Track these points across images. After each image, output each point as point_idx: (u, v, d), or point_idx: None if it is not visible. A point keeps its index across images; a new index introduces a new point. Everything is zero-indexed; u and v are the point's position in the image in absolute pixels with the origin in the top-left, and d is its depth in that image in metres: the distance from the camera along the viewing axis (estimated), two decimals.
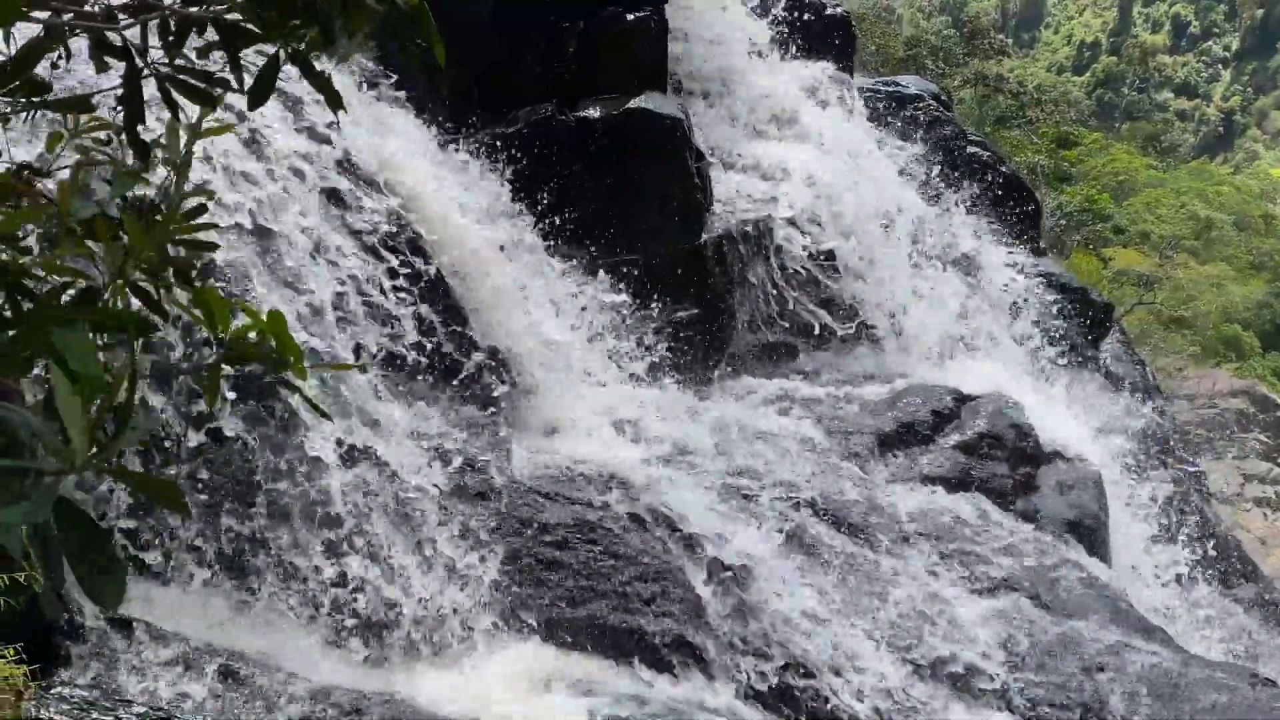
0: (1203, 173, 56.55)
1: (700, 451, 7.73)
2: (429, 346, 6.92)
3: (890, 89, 13.30)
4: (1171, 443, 12.80)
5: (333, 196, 6.70)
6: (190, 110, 1.90)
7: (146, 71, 1.83)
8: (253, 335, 1.90)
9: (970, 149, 13.36)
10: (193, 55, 1.88)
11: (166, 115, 1.90)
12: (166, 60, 1.79)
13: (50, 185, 2.04)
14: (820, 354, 10.43)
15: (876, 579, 7.25)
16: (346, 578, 5.70)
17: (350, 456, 5.93)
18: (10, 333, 1.47)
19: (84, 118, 2.00)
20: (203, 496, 5.39)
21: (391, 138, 7.47)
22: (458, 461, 6.54)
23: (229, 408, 5.43)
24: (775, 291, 10.30)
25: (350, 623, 5.65)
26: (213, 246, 2.25)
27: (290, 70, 1.80)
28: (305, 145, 6.68)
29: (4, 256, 1.66)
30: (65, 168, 2.08)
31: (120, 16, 1.80)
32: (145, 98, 1.79)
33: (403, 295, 6.88)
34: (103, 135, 2.08)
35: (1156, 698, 6.90)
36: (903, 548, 7.66)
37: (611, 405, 7.95)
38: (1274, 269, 43.65)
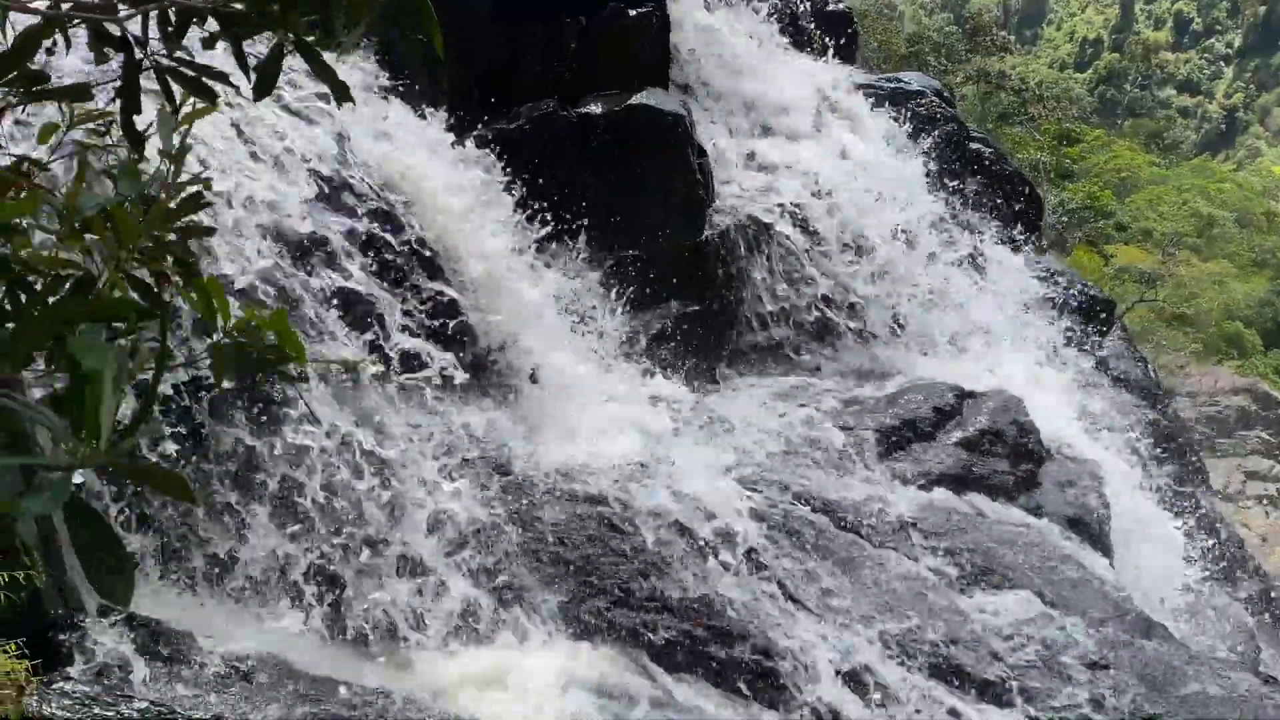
0: (1205, 170, 56.53)
1: (702, 447, 7.72)
2: (432, 343, 6.91)
3: (892, 85, 13.27)
4: (1173, 440, 12.78)
5: (333, 193, 6.69)
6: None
7: (146, 63, 1.83)
8: (253, 326, 1.90)
9: (972, 146, 13.33)
10: (197, 46, 1.87)
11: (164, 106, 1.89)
12: (166, 52, 1.78)
13: (55, 176, 2.03)
14: (822, 350, 10.42)
15: (877, 575, 7.24)
16: (349, 574, 5.70)
17: (353, 452, 5.92)
18: (9, 326, 1.46)
19: (79, 109, 2.00)
20: (201, 490, 5.39)
21: (391, 133, 7.45)
22: (460, 457, 6.54)
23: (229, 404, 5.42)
24: (777, 287, 10.29)
25: (353, 619, 5.64)
26: (210, 231, 2.24)
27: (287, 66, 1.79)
28: (304, 141, 6.67)
29: (3, 250, 1.65)
30: (60, 158, 2.08)
31: (120, 7, 1.79)
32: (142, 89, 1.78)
33: (404, 292, 6.87)
34: (98, 126, 2.07)
35: (1158, 694, 6.90)
36: (904, 544, 7.65)
37: (614, 401, 7.94)
38: (1276, 266, 43.64)
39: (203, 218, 2.02)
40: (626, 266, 8.75)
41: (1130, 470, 10.81)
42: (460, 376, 6.93)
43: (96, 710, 3.92)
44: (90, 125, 2.14)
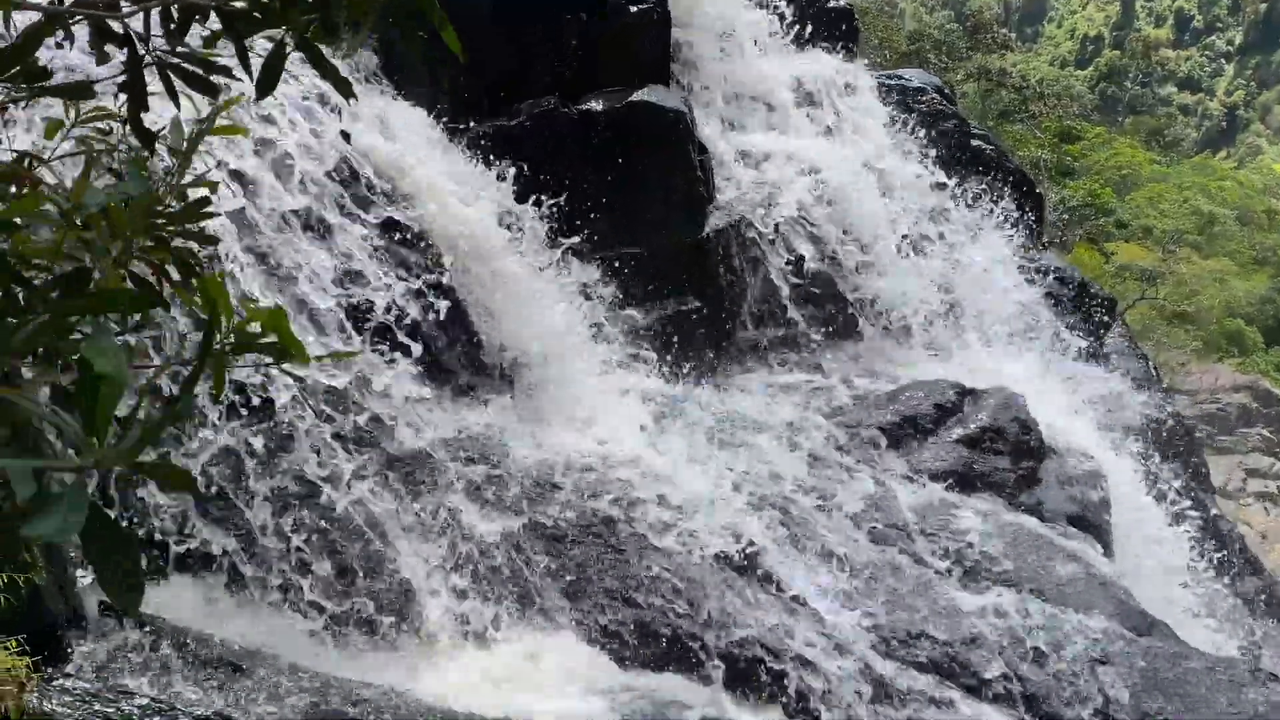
0: (1205, 167, 56.51)
1: (702, 444, 7.72)
2: (434, 339, 6.91)
3: (893, 82, 13.26)
4: (1174, 437, 12.78)
5: (332, 188, 6.69)
6: (196, 101, 1.89)
7: (148, 60, 1.82)
8: (254, 327, 1.90)
9: (973, 143, 13.32)
10: (199, 44, 1.86)
11: (169, 103, 1.89)
12: (169, 48, 1.77)
13: (60, 172, 2.03)
14: (822, 347, 10.41)
15: (877, 572, 7.24)
16: (350, 570, 5.71)
17: (353, 449, 5.93)
18: (10, 320, 1.46)
19: (84, 106, 1.99)
20: (204, 487, 5.39)
21: (393, 130, 7.45)
22: (462, 454, 6.54)
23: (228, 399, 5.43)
24: (778, 285, 10.28)
25: (354, 615, 5.65)
26: (214, 240, 2.24)
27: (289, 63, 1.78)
28: (306, 137, 6.67)
29: (3, 246, 1.65)
30: (64, 156, 2.07)
31: (123, 4, 1.79)
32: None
33: (407, 288, 6.87)
34: (103, 124, 2.07)
35: (1158, 691, 6.90)
36: (905, 541, 7.65)
37: (614, 398, 7.94)
38: (1277, 264, 43.63)
39: (209, 225, 2.02)
40: (627, 263, 8.75)
41: (1131, 468, 10.81)
42: (458, 370, 6.93)
43: (97, 707, 3.92)
44: (95, 123, 2.14)
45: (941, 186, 12.05)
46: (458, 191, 7.52)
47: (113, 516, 1.22)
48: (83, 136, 2.07)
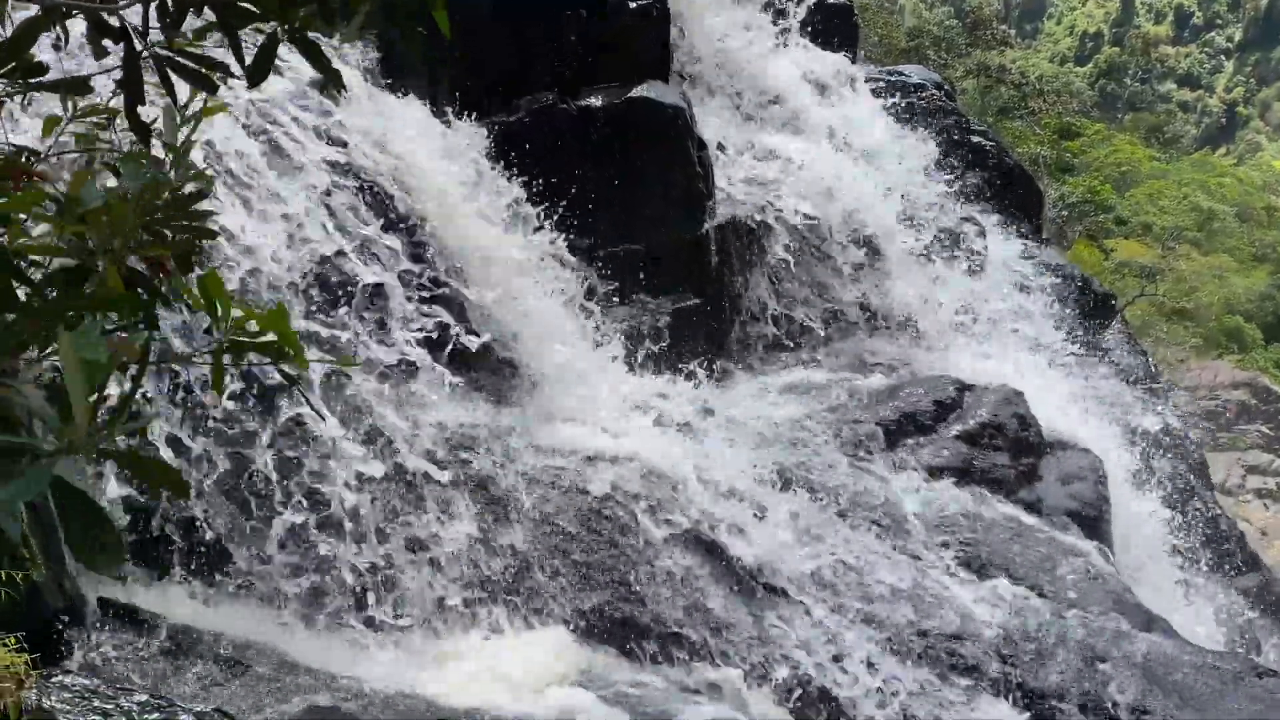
0: (1205, 164, 56.46)
1: (703, 441, 7.72)
2: (432, 336, 6.91)
3: (893, 79, 13.25)
4: (1173, 434, 12.78)
5: (330, 183, 6.68)
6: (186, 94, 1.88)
7: (145, 54, 1.82)
8: (253, 325, 1.89)
9: (973, 139, 13.32)
10: (190, 36, 1.86)
11: (164, 98, 1.88)
12: (165, 43, 1.77)
13: (58, 167, 2.03)
14: (822, 344, 10.41)
15: (877, 568, 7.24)
16: (349, 567, 5.70)
17: (352, 446, 5.92)
18: (9, 316, 1.46)
19: (81, 101, 1.99)
20: (205, 484, 5.38)
21: (391, 124, 7.44)
22: (462, 452, 6.54)
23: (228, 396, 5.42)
24: (778, 281, 10.28)
25: (353, 612, 5.64)
26: (213, 234, 2.23)
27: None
28: (302, 132, 6.66)
29: (2, 241, 1.64)
30: (62, 152, 2.07)
31: None
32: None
33: (405, 285, 6.86)
34: (101, 119, 2.06)
35: (1157, 687, 6.90)
36: (904, 537, 7.65)
37: (614, 394, 7.94)
38: (1276, 260, 43.59)
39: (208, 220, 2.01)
40: (627, 260, 8.74)
41: (1130, 464, 10.81)
42: (458, 368, 6.93)
43: (96, 703, 3.92)
44: (92, 119, 2.14)
45: (941, 183, 12.04)
46: (456, 187, 7.51)
47: (86, 492, 1.23)
48: (79, 133, 2.07)
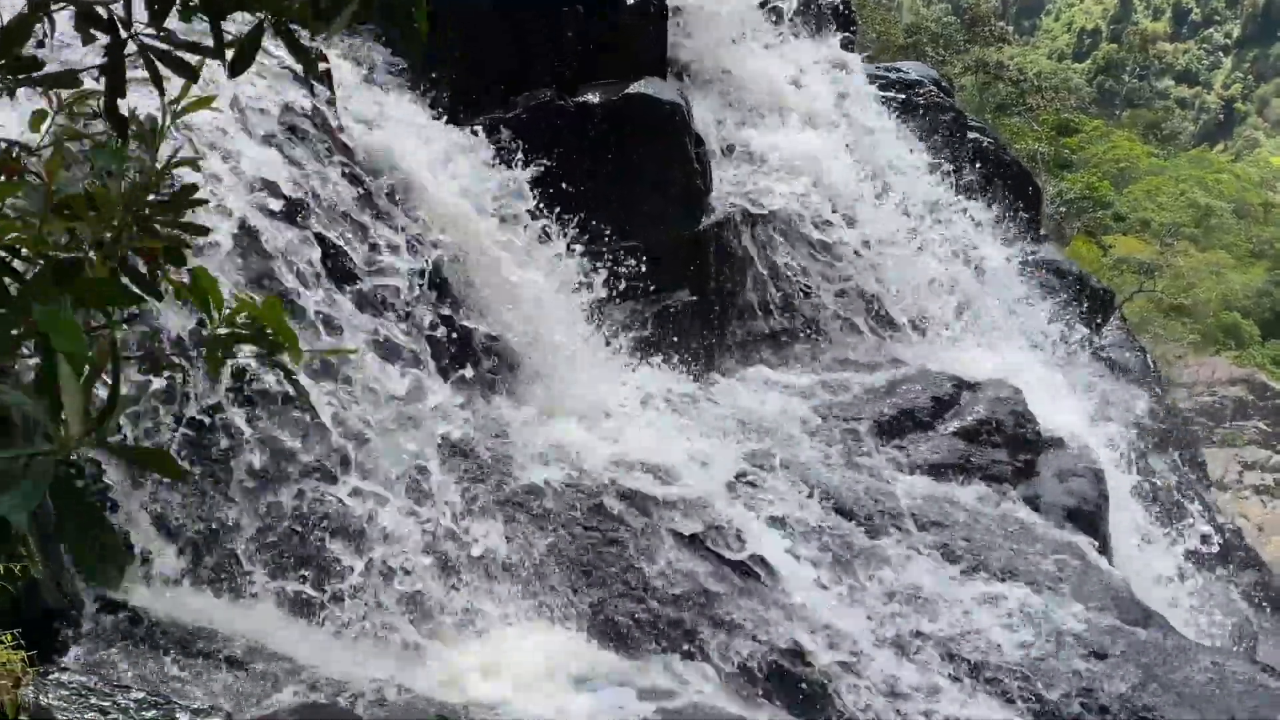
0: (1203, 160, 56.46)
1: (701, 437, 7.71)
2: (430, 331, 6.90)
3: (891, 75, 13.24)
4: (1171, 430, 12.79)
5: (327, 179, 6.67)
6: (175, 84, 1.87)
7: (131, 44, 1.81)
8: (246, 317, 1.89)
9: (971, 135, 13.31)
10: (179, 28, 1.85)
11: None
12: (152, 31, 1.76)
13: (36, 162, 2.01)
14: (820, 340, 10.40)
15: (875, 565, 7.24)
16: (346, 564, 5.69)
17: (349, 443, 5.91)
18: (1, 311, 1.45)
19: (69, 93, 1.98)
20: (197, 478, 5.38)
21: (387, 120, 7.43)
22: (460, 446, 6.53)
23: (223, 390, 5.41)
24: (775, 278, 10.27)
25: (350, 609, 5.64)
26: (204, 231, 2.23)
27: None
28: (297, 126, 6.65)
29: None
30: (51, 145, 2.06)
31: None
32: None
33: (402, 281, 6.86)
34: (90, 111, 2.05)
35: (1155, 684, 6.90)
36: (902, 534, 7.65)
37: (612, 391, 7.93)
38: (1274, 257, 43.62)
39: (198, 213, 2.01)
40: (625, 256, 8.73)
41: (1128, 461, 10.82)
42: (457, 364, 6.93)
43: (92, 700, 3.92)
44: (79, 110, 2.13)
45: (939, 179, 12.03)
46: (452, 182, 7.50)
47: (87, 495, 1.22)
48: (65, 126, 2.06)
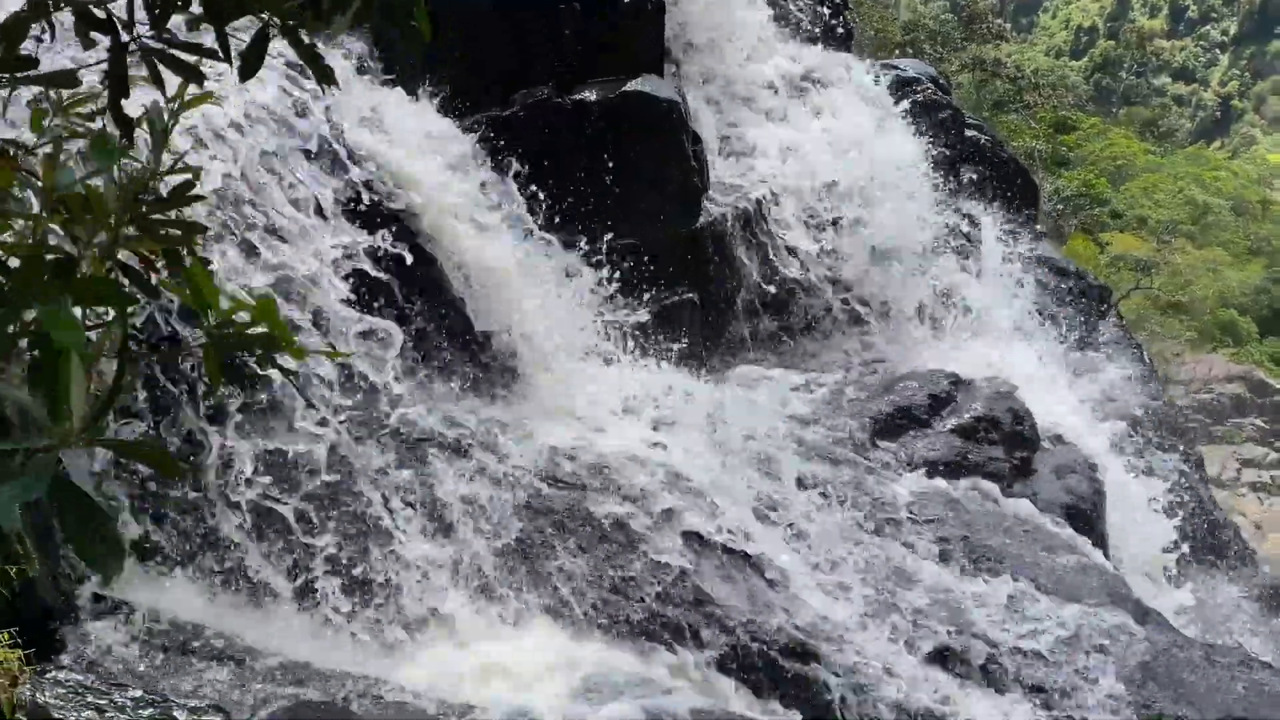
0: (1200, 158, 56.56)
1: (697, 435, 7.72)
2: (426, 331, 6.90)
3: (888, 72, 13.23)
4: (1168, 427, 12.80)
5: (323, 178, 6.67)
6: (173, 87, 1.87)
7: (133, 46, 1.81)
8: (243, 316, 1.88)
9: (968, 133, 13.31)
10: (182, 31, 1.85)
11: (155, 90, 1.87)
12: (153, 34, 1.76)
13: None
14: (817, 338, 10.41)
15: (872, 562, 7.24)
16: (343, 562, 5.70)
17: (345, 440, 5.92)
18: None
19: (69, 94, 1.98)
20: (194, 476, 5.38)
21: (384, 118, 7.43)
22: (455, 445, 6.53)
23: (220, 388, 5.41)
24: (773, 275, 10.28)
25: (347, 607, 5.64)
26: (203, 229, 2.23)
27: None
28: (293, 125, 6.64)
29: None
30: (45, 144, 2.06)
31: None
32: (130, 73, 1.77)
33: (398, 280, 6.86)
34: (88, 111, 2.05)
35: (1153, 680, 6.91)
36: (898, 531, 7.66)
37: (609, 389, 7.93)
38: (1271, 254, 43.71)
39: (198, 210, 2.01)
40: (622, 254, 8.72)
41: (1125, 458, 10.83)
42: (452, 363, 6.93)
43: (90, 699, 3.92)
44: (79, 111, 2.13)
45: (936, 176, 12.03)
46: (449, 181, 7.50)
47: (84, 489, 1.23)
48: (66, 125, 2.06)
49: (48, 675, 4.09)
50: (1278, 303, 42.91)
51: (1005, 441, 9.08)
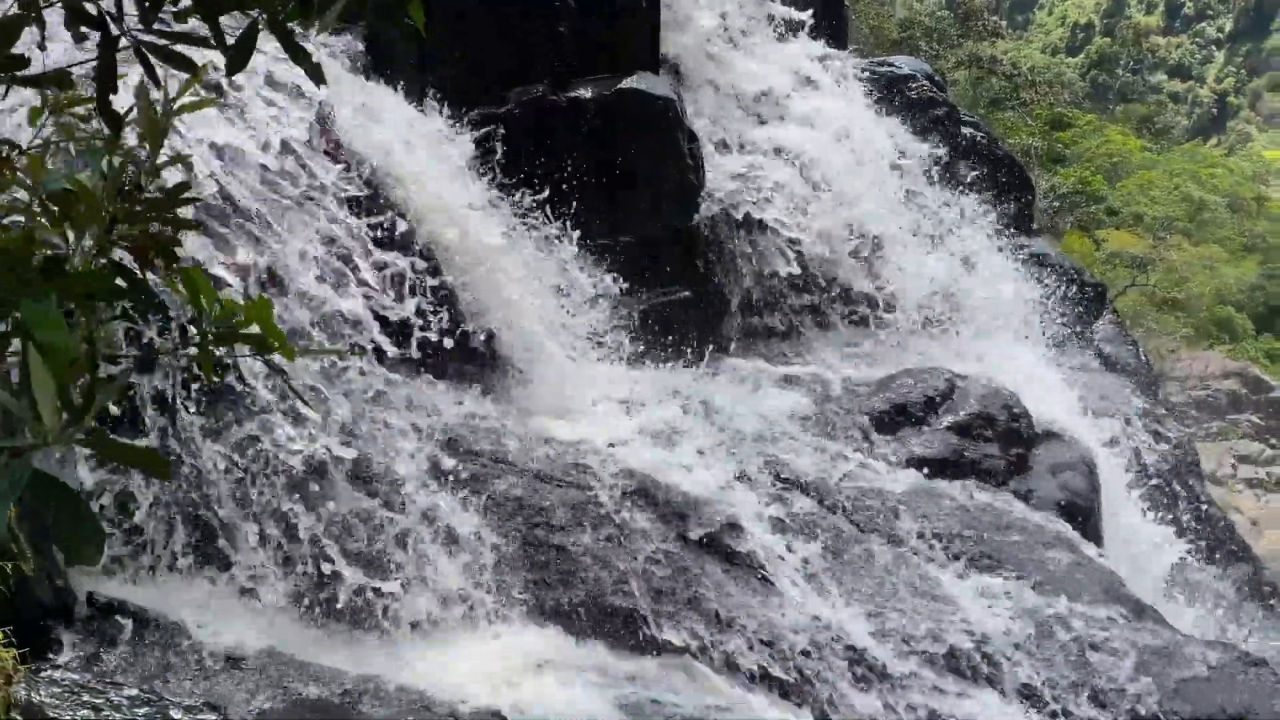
0: (1196, 154, 56.63)
1: (693, 433, 7.72)
2: (421, 329, 6.89)
3: (884, 69, 13.24)
4: (1164, 424, 12.80)
5: (317, 175, 6.66)
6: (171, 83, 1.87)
7: (123, 41, 1.80)
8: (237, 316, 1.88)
9: (964, 130, 13.31)
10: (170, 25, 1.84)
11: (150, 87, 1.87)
12: (144, 28, 1.75)
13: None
14: (813, 336, 10.42)
15: (868, 559, 7.25)
16: (340, 561, 5.69)
17: (340, 438, 5.91)
18: None
19: (64, 92, 1.97)
20: (185, 473, 5.37)
21: (378, 116, 7.42)
22: (449, 443, 6.53)
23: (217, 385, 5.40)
24: (769, 273, 10.28)
25: (343, 606, 5.63)
26: (194, 225, 2.22)
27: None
28: (286, 123, 6.63)
29: None
30: (43, 144, 2.05)
31: None
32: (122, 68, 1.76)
33: (393, 279, 6.85)
34: (83, 110, 2.04)
35: (1148, 677, 6.92)
36: (894, 528, 7.66)
37: (604, 387, 7.93)
38: (1266, 251, 43.80)
39: (189, 210, 2.00)
40: (618, 252, 8.72)
41: (1121, 454, 10.83)
42: (447, 360, 6.92)
43: (85, 698, 3.91)
44: (74, 110, 2.12)
45: (932, 174, 12.04)
46: (446, 180, 7.49)
47: (65, 483, 1.23)
48: (61, 124, 2.05)
49: (43, 674, 4.08)
50: (1273, 299, 43.02)
51: (1001, 439, 9.09)
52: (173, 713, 4.08)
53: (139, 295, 1.75)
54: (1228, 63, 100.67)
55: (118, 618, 4.86)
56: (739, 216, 10.08)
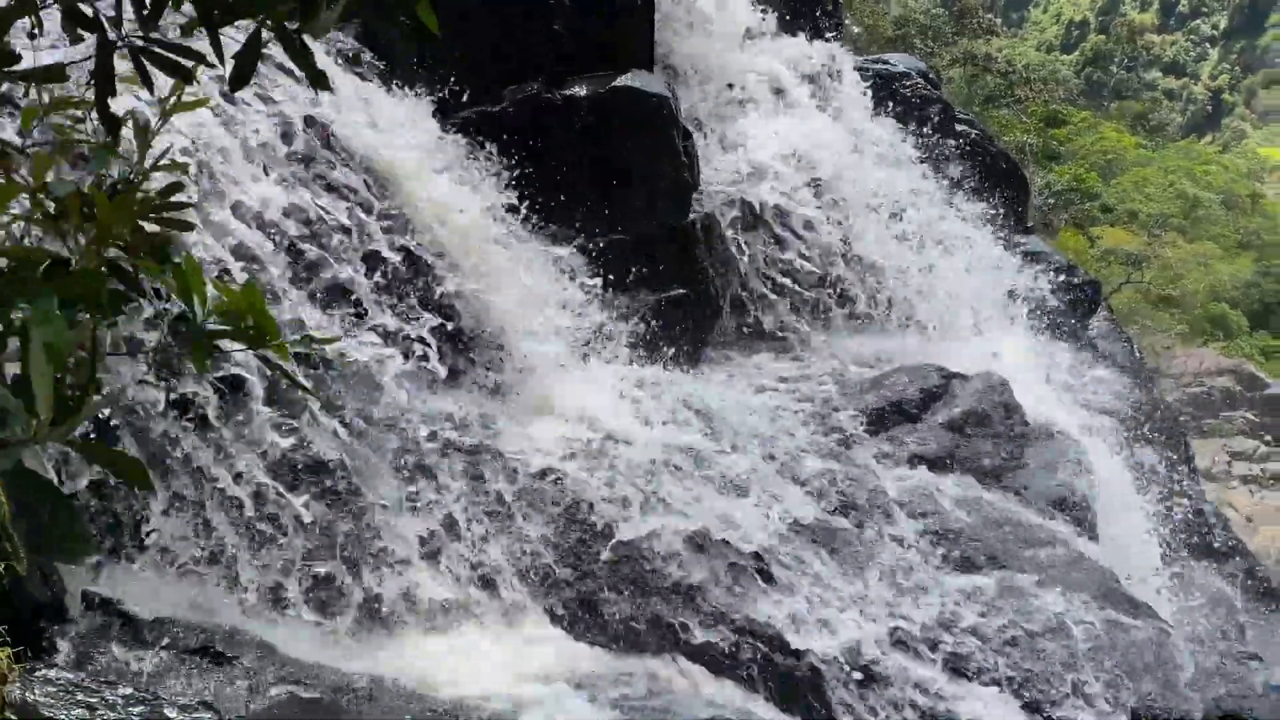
0: (1190, 151, 56.71)
1: (690, 431, 7.72)
2: (418, 329, 6.89)
3: (878, 67, 13.24)
4: (1158, 421, 12.82)
5: (314, 173, 6.65)
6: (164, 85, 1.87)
7: (120, 45, 1.80)
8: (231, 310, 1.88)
9: (959, 127, 13.33)
10: (175, 33, 1.84)
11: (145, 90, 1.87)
12: (141, 33, 1.75)
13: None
14: (808, 333, 10.42)
15: (864, 556, 7.25)
16: (334, 559, 5.69)
17: (335, 436, 5.91)
18: None
19: (58, 93, 1.97)
20: (182, 472, 5.37)
21: (372, 114, 7.41)
22: (445, 441, 6.53)
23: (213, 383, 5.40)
24: (764, 271, 10.29)
25: (339, 602, 5.63)
26: (189, 226, 2.22)
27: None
28: (283, 122, 6.63)
29: None
30: (40, 144, 2.05)
31: None
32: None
33: (390, 278, 6.84)
34: (77, 111, 2.04)
35: (1143, 673, 6.94)
36: (890, 526, 7.67)
37: (601, 386, 7.93)
38: (1261, 248, 43.87)
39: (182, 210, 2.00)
40: (612, 249, 8.72)
41: (1115, 451, 10.84)
42: (443, 360, 6.92)
43: (79, 697, 3.91)
44: (70, 110, 2.12)
45: (927, 171, 12.05)
46: (441, 177, 7.48)
47: (51, 480, 1.23)
48: (57, 124, 2.05)
49: (37, 673, 4.07)
50: (1268, 296, 43.10)
51: (995, 435, 9.10)
52: (168, 711, 4.08)
53: (135, 295, 1.75)
54: (1222, 60, 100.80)
55: (113, 616, 4.85)
56: (734, 214, 10.09)
